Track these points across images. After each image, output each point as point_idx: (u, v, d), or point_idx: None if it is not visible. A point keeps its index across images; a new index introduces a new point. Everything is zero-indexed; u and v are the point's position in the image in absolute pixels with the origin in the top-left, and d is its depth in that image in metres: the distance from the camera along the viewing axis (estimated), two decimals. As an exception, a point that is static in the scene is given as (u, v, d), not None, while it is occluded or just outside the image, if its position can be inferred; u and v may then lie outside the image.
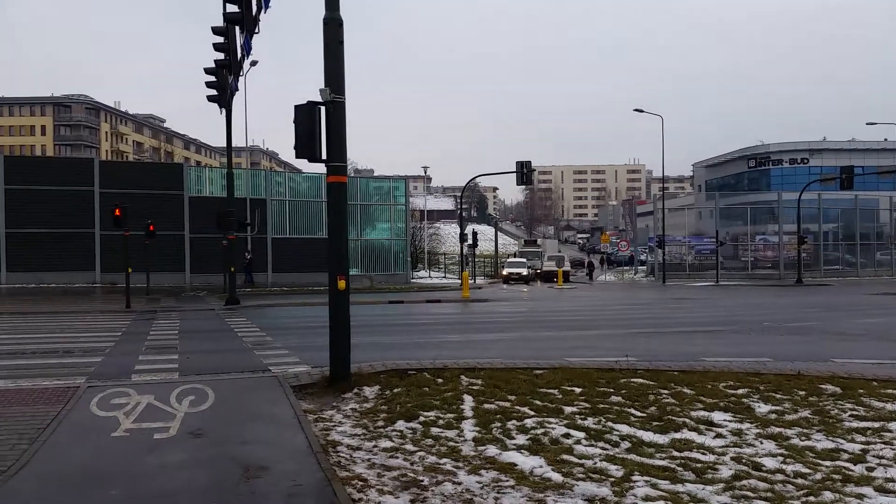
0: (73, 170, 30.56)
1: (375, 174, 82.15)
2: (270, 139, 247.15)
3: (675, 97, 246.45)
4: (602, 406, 6.93)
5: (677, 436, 5.91)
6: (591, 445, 5.65)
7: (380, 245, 36.24)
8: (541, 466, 5.08)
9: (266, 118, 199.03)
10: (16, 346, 11.60)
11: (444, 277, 46.56)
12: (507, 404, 6.95)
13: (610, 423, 6.28)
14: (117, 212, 19.46)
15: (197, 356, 10.62)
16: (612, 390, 7.64)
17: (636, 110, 45.07)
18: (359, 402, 7.15)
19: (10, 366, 9.54)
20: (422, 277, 43.84)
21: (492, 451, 5.49)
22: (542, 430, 6.01)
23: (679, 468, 5.05)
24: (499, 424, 6.23)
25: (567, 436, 5.88)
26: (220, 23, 17.05)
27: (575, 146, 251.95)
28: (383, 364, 8.96)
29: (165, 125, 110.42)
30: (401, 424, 6.25)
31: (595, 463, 5.20)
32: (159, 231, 25.01)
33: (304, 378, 8.14)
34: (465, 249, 38.91)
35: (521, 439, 5.79)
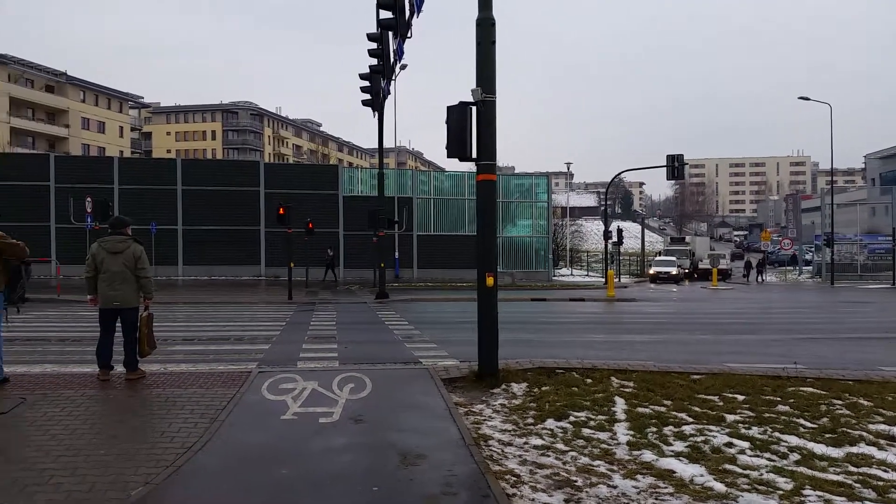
0: (241, 172, 33.17)
1: (516, 171, 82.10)
2: (416, 139, 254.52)
3: (846, 82, 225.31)
4: (768, 415, 6.51)
5: (853, 450, 5.44)
6: (757, 456, 5.33)
7: (521, 242, 36.19)
8: (701, 475, 4.87)
9: (412, 119, 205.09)
10: (192, 333, 12.78)
11: (587, 276, 45.65)
12: (663, 409, 6.71)
13: (777, 434, 5.88)
14: (281, 210, 20.90)
15: (353, 346, 11.19)
16: (778, 399, 7.15)
17: (801, 98, 41.60)
18: (507, 398, 7.20)
19: (188, 351, 10.53)
20: (563, 275, 43.26)
21: (648, 456, 5.33)
22: (702, 438, 5.75)
23: (857, 485, 4.64)
24: (654, 429, 6.03)
25: (729, 444, 5.58)
26: (371, 29, 17.86)
27: (730, 137, 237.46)
28: (530, 362, 8.96)
29: (321, 129, 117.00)
30: (551, 423, 6.23)
31: (761, 474, 4.90)
32: (317, 228, 26.58)
33: (453, 371, 8.33)
34: (610, 247, 37.90)
35: (679, 446, 5.57)
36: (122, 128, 74.86)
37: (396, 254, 32.48)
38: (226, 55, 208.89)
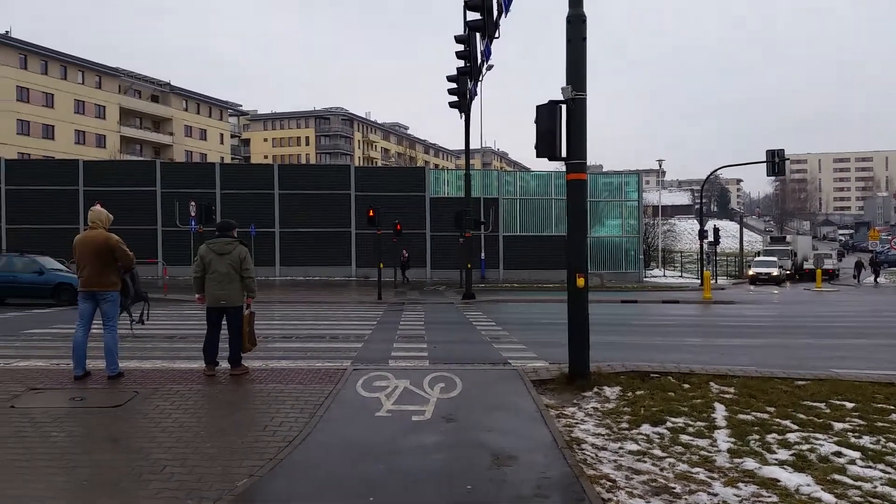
0: (333, 175, 34.17)
1: (604, 170, 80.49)
2: (501, 140, 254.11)
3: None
4: (881, 424, 6.11)
5: (983, 466, 5.02)
6: (869, 467, 5.02)
7: (610, 242, 35.46)
8: (808, 485, 4.62)
9: (497, 119, 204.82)
10: (290, 331, 13.26)
11: (681, 277, 44.21)
12: (766, 416, 6.42)
13: (892, 444, 5.52)
14: (371, 213, 21.39)
15: (442, 346, 11.31)
16: (892, 407, 6.70)
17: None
18: (600, 402, 7.08)
19: (286, 348, 10.94)
20: (655, 276, 42.08)
21: (750, 464, 5.11)
22: (808, 447, 5.46)
23: None
24: (757, 437, 5.78)
25: (838, 454, 5.28)
26: (459, 31, 18.03)
27: (835, 132, 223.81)
28: (623, 365, 8.77)
29: (408, 132, 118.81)
30: (646, 428, 6.08)
31: (875, 487, 4.61)
32: (404, 230, 27.04)
33: (543, 373, 8.27)
34: (706, 247, 36.56)
35: (784, 454, 5.31)
36: (222, 135, 78.63)
37: (482, 254, 32.54)
38: (319, 62, 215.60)
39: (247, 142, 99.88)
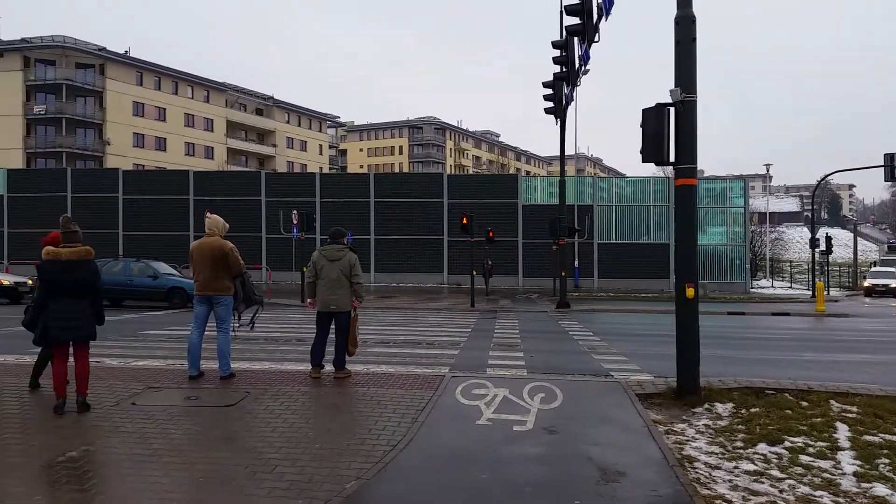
0: (426, 184, 34.55)
1: (706, 175, 77.46)
2: (594, 145, 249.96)
3: None
4: None
5: None
6: None
7: (713, 251, 33.97)
8: (955, 519, 4.22)
9: (589, 124, 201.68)
10: (387, 336, 13.45)
11: (790, 288, 41.88)
12: (895, 438, 5.93)
13: None
14: (464, 220, 21.47)
15: (539, 355, 11.15)
16: None
17: None
18: (711, 419, 6.76)
19: (385, 353, 11.09)
20: (763, 287, 40.03)
21: (880, 489, 4.73)
22: (951, 476, 4.99)
23: None
24: (886, 461, 5.35)
25: None
26: (555, 37, 17.84)
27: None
28: (735, 380, 8.34)
29: (500, 139, 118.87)
30: (763, 447, 5.74)
31: None
32: (497, 237, 26.98)
33: (648, 387, 7.98)
34: (817, 256, 34.46)
35: (922, 482, 4.88)
36: (321, 146, 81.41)
37: (576, 262, 31.99)
38: (412, 73, 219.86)
39: (344, 152, 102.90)
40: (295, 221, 24.41)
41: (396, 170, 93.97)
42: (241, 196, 32.76)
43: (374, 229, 33.13)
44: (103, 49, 56.52)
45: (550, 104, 20.58)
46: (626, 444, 5.74)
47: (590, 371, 9.57)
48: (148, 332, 13.87)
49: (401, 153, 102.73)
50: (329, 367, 8.30)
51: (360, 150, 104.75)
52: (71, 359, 6.62)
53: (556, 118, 20.88)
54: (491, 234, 26.18)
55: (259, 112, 73.96)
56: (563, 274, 22.26)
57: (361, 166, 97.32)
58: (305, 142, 78.36)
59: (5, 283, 20.30)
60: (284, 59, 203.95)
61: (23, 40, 54.87)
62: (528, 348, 11.92)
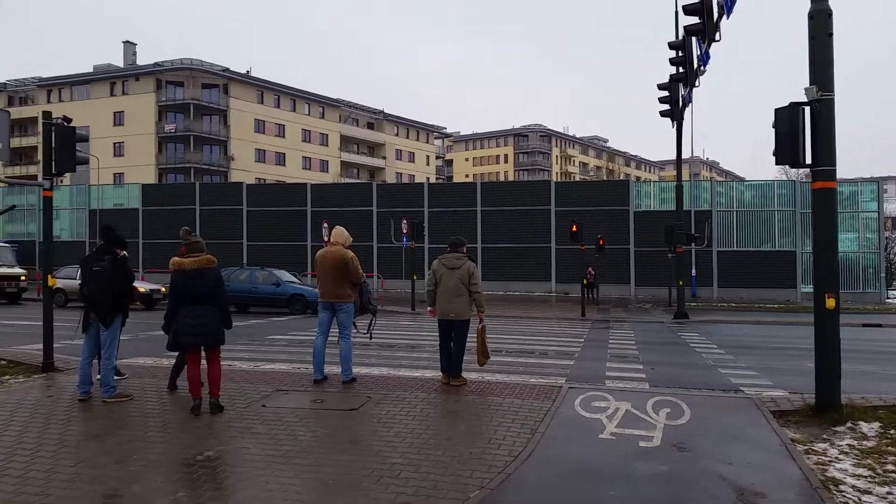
0: (533, 191, 34.29)
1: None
2: (710, 148, 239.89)
3: None
4: None
5: None
6: None
7: (843, 259, 31.43)
8: None
9: (703, 127, 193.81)
10: (498, 345, 13.38)
11: (933, 298, 38.21)
12: None
13: None
14: (573, 228, 21.12)
15: (660, 368, 10.74)
16: None
17: None
18: (856, 439, 6.24)
19: (499, 362, 11.02)
20: (900, 297, 36.78)
21: None
22: None
23: None
24: None
25: None
26: (671, 38, 17.23)
27: None
28: (880, 398, 7.68)
29: (607, 144, 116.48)
30: (920, 473, 5.23)
31: None
32: (607, 245, 26.33)
33: (783, 403, 7.49)
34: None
35: None
36: (428, 157, 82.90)
37: (693, 271, 30.66)
38: (516, 82, 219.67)
39: (450, 162, 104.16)
40: (405, 231, 24.90)
41: (502, 178, 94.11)
42: (353, 207, 33.81)
43: (481, 238, 33.21)
44: (227, 70, 60.23)
45: (666, 106, 19.87)
46: (763, 464, 5.40)
47: (717, 386, 9.10)
48: (273, 336, 14.52)
49: (506, 161, 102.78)
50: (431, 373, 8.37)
51: (466, 159, 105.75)
52: (204, 362, 7.02)
53: (673, 121, 20.14)
54: (601, 241, 25.61)
55: (370, 126, 76.30)
56: (681, 283, 21.39)
57: (467, 175, 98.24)
58: (413, 153, 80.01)
59: (141, 290, 21.90)
60: (395, 73, 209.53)
61: (155, 64, 59.42)
62: (647, 360, 11.51)
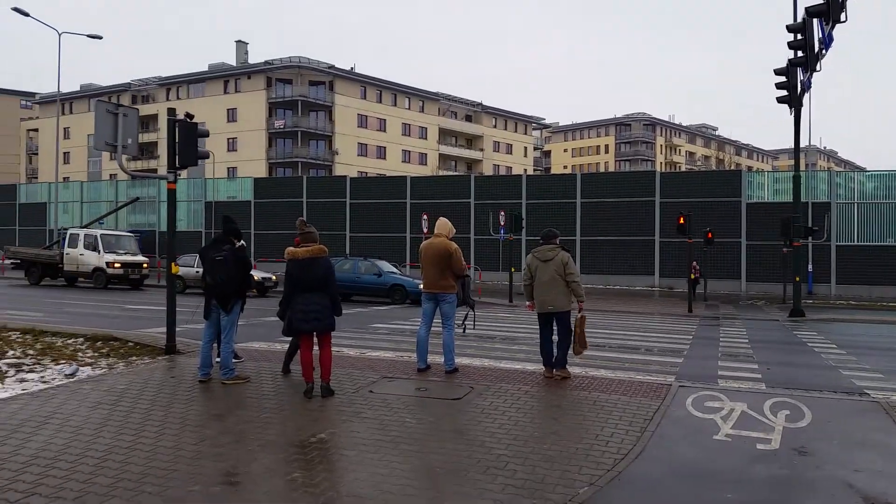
0: (636, 182, 33.29)
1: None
2: (827, 136, 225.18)
3: None
4: None
5: None
6: None
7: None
8: None
9: (820, 114, 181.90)
10: (601, 340, 13.11)
11: None
12: None
13: None
14: (681, 220, 20.35)
15: (776, 368, 10.19)
16: None
17: None
18: None
19: (602, 357, 10.80)
20: None
21: None
22: None
23: None
24: None
25: None
26: (788, 20, 16.19)
27: None
28: None
29: (716, 133, 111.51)
30: None
31: None
32: (716, 238, 25.19)
33: (917, 410, 6.92)
34: None
35: None
36: (525, 148, 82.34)
37: (810, 266, 28.85)
38: (615, 70, 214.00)
39: (548, 153, 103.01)
40: (502, 223, 24.85)
41: (602, 169, 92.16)
42: (451, 199, 34.05)
43: (581, 230, 32.63)
44: (332, 67, 62.09)
45: (783, 92, 18.71)
46: (894, 472, 5.01)
47: (839, 388, 8.53)
48: (376, 325, 14.89)
49: (606, 152, 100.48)
50: (534, 367, 8.29)
51: (565, 150, 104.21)
52: (316, 347, 7.28)
53: (791, 107, 18.95)
54: (710, 234, 24.54)
55: (468, 118, 76.60)
56: (798, 279, 20.19)
57: (565, 167, 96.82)
58: (511, 145, 79.67)
59: (255, 278, 22.99)
60: (492, 65, 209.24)
61: (266, 62, 62.07)
62: (762, 359, 10.93)
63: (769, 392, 7.73)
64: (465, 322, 8.69)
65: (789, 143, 19.15)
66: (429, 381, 7.91)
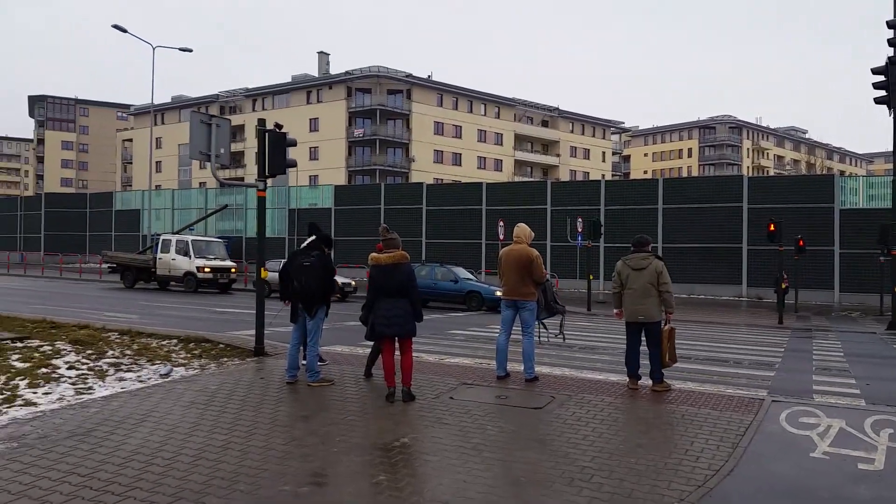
0: (721, 187, 32.13)
1: None
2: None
3: None
4: None
5: None
6: None
7: None
8: None
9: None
10: (686, 352, 12.67)
11: None
12: None
13: None
14: (771, 227, 19.52)
15: (876, 383, 9.60)
16: None
17: None
18: None
19: (687, 369, 10.44)
20: None
21: None
22: None
23: None
24: None
25: None
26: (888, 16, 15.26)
27: None
28: None
29: (807, 136, 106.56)
30: None
31: None
32: (807, 246, 24.00)
33: None
34: None
35: None
36: (604, 153, 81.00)
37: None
38: (701, 73, 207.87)
39: (627, 158, 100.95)
40: (580, 229, 24.49)
41: (684, 174, 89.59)
42: (527, 205, 33.83)
43: (662, 237, 31.77)
44: (410, 75, 63.00)
45: (882, 92, 17.67)
46: None
47: (950, 408, 7.95)
48: (453, 331, 14.95)
49: (689, 156, 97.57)
50: (646, 380, 8.09)
51: (645, 154, 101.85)
52: (397, 352, 7.37)
53: (890, 108, 17.87)
54: (801, 242, 23.41)
55: (544, 124, 76.06)
56: (896, 290, 18.97)
57: (645, 172, 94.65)
58: (588, 150, 78.53)
59: (338, 283, 23.54)
60: (569, 69, 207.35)
61: (346, 73, 63.60)
62: (859, 374, 10.33)
63: (870, 409, 7.30)
64: (563, 329, 8.64)
65: (885, 146, 18.01)
66: (509, 389, 7.87)
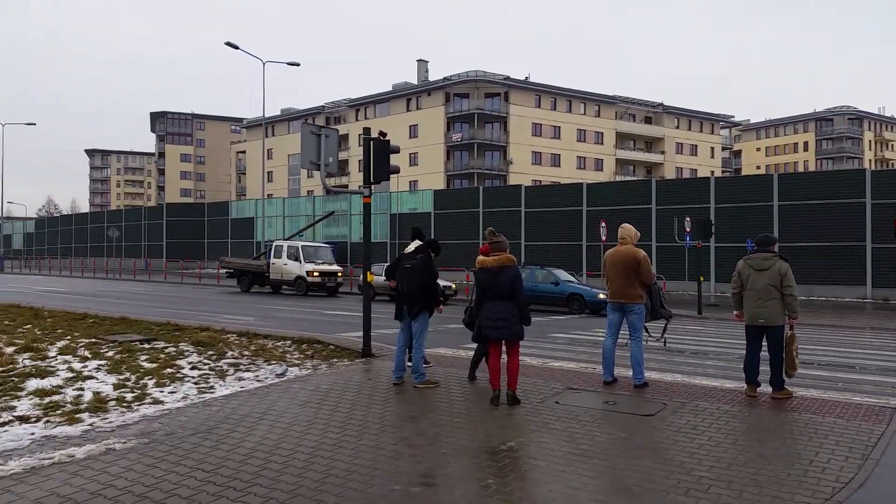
0: (842, 182, 30.06)
1: None
2: None
3: None
4: None
5: None
6: None
7: None
8: None
9: None
10: (807, 357, 11.93)
11: None
12: None
13: None
14: (900, 223, 18.06)
15: None
16: None
17: None
18: None
19: (809, 375, 9.80)
20: None
21: None
22: None
23: None
24: None
25: None
26: None
27: None
28: None
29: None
30: None
31: None
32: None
33: None
34: None
35: None
36: (712, 148, 77.65)
37: None
38: (815, 60, 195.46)
39: (738, 153, 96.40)
40: (688, 229, 23.60)
41: (800, 168, 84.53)
42: (631, 205, 32.94)
43: (779, 235, 30.07)
44: (507, 78, 62.93)
45: None
46: None
47: None
48: (556, 335, 14.78)
49: (805, 150, 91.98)
50: (765, 387, 7.71)
51: (757, 149, 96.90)
52: (504, 356, 7.36)
53: None
54: (933, 239, 21.53)
55: (647, 120, 73.88)
56: None
57: (758, 167, 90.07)
58: (696, 146, 75.55)
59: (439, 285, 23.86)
60: (673, 63, 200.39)
61: (444, 79, 64.35)
62: None
63: None
64: (665, 335, 8.39)
65: None
66: (616, 394, 7.70)
